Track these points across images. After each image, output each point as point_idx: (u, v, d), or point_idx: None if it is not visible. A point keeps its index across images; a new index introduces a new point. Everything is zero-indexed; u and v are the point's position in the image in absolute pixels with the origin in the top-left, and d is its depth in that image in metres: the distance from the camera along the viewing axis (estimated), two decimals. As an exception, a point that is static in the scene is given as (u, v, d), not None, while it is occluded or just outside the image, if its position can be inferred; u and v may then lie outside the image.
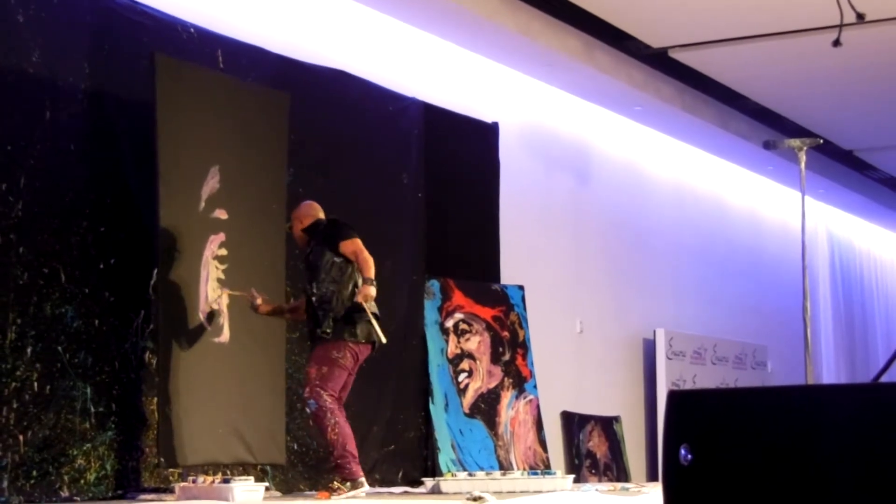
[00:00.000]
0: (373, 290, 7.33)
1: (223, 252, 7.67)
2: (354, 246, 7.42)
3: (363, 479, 7.39)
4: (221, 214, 7.69)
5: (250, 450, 7.71)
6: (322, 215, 7.70)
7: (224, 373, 7.61)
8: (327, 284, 7.43)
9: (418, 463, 9.63)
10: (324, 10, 9.26)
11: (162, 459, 7.21)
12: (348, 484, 7.30)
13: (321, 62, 9.08)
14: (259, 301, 7.66)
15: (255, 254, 7.94)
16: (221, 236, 7.68)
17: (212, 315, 7.57)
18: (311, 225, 7.64)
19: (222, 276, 7.64)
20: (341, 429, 7.30)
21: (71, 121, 7.27)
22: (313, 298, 7.45)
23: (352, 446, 7.35)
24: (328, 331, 7.37)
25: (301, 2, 9.09)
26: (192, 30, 8.04)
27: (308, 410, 7.41)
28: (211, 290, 7.58)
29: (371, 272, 7.35)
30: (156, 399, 7.36)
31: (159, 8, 7.86)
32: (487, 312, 10.46)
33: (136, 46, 7.63)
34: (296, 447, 8.52)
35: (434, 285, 10.05)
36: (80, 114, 7.34)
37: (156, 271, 7.47)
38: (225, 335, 7.63)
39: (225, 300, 7.64)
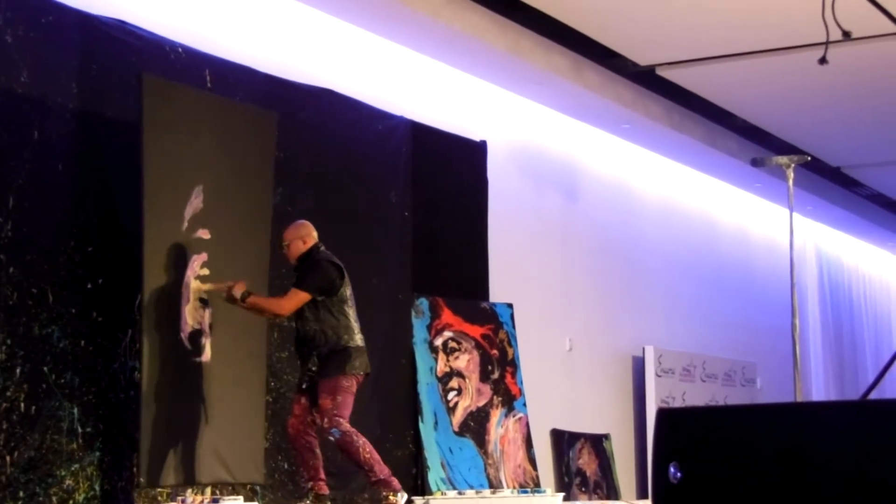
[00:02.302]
0: (236, 293, 7.45)
1: (205, 272, 7.65)
2: (293, 294, 7.56)
3: (400, 489, 7.60)
4: (204, 234, 7.67)
5: (229, 469, 7.69)
6: (315, 237, 7.78)
7: (205, 392, 7.59)
8: (311, 323, 7.58)
9: (408, 482, 9.60)
10: (311, 29, 9.27)
11: (142, 480, 7.19)
12: (399, 495, 7.52)
13: (309, 81, 9.08)
14: (237, 288, 7.54)
15: (238, 273, 7.90)
16: (204, 256, 7.66)
17: (193, 334, 7.54)
18: (310, 248, 7.71)
19: (204, 297, 7.63)
20: (371, 448, 7.53)
21: (59, 141, 7.26)
22: (298, 333, 7.65)
23: (382, 462, 7.58)
24: (314, 369, 7.58)
25: (289, 21, 9.10)
26: (179, 49, 8.04)
27: (332, 439, 7.53)
28: (193, 309, 7.56)
29: (259, 303, 7.56)
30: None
31: (147, 28, 7.87)
32: (476, 330, 10.45)
33: (125, 66, 7.63)
34: (286, 466, 8.50)
35: (423, 303, 10.05)
36: (68, 134, 7.34)
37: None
38: (206, 354, 7.62)
39: (207, 318, 7.62)
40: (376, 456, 7.53)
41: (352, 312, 7.68)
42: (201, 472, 7.52)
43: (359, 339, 7.65)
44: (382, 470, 7.52)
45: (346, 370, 7.54)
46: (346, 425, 7.47)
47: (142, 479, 7.19)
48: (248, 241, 8.01)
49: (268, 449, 8.21)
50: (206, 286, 7.61)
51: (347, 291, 7.69)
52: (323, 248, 7.76)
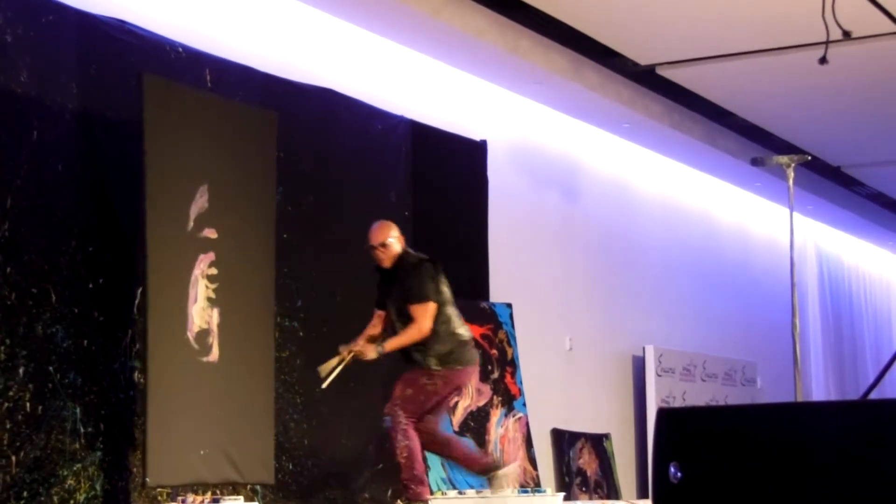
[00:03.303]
0: (372, 354, 7.49)
1: (213, 271, 7.65)
2: (421, 312, 7.45)
3: (427, 500, 7.55)
4: (210, 234, 7.67)
5: (238, 469, 7.69)
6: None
7: (213, 392, 7.59)
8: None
9: (408, 481, 9.59)
10: (311, 29, 9.27)
11: (147, 479, 7.19)
12: None
13: (309, 81, 9.08)
14: (369, 353, 7.57)
15: (245, 272, 7.92)
16: (211, 255, 7.66)
17: (201, 334, 7.54)
18: (404, 249, 7.70)
19: (213, 296, 7.63)
20: (410, 452, 7.43)
21: (58, 141, 7.26)
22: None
23: (419, 469, 7.49)
24: (436, 368, 7.48)
25: (288, 20, 9.10)
26: (179, 49, 8.04)
27: (384, 426, 7.55)
28: (201, 309, 7.56)
29: (399, 342, 7.46)
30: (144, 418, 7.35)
31: (147, 27, 7.86)
32: (476, 330, 10.43)
33: (124, 66, 7.62)
34: (290, 467, 8.50)
35: (423, 303, 10.02)
36: (67, 134, 7.33)
37: (140, 291, 7.46)
38: (214, 354, 7.61)
39: (215, 318, 7.62)
40: (412, 463, 7.42)
41: (452, 310, 7.63)
42: (209, 471, 7.53)
43: (462, 334, 7.59)
44: (412, 478, 7.44)
45: (429, 364, 7.48)
46: (401, 419, 7.40)
47: (147, 479, 7.18)
48: (253, 239, 8.02)
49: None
50: (332, 371, 7.55)
51: (445, 287, 7.63)
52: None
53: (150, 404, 7.19)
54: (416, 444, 7.46)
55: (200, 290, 7.56)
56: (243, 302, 7.80)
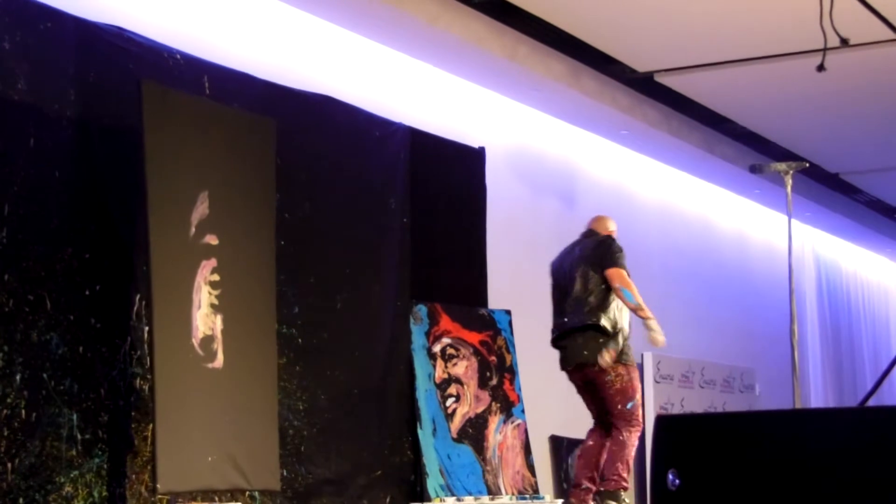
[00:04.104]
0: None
1: (215, 277, 7.64)
2: None
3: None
4: (212, 240, 7.66)
5: (245, 476, 7.67)
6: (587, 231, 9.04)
7: (218, 398, 7.57)
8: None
9: (406, 488, 9.60)
10: (309, 36, 9.28)
11: (158, 486, 7.16)
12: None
13: (307, 87, 9.08)
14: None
15: (247, 278, 7.90)
16: (213, 262, 7.65)
17: (205, 340, 7.53)
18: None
19: (215, 302, 7.61)
20: (580, 451, 8.47)
21: (56, 148, 7.25)
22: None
23: (580, 470, 8.45)
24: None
25: (286, 27, 9.11)
26: (178, 56, 8.04)
27: None
28: (205, 315, 7.55)
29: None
30: (146, 426, 7.33)
31: (146, 34, 7.86)
32: (475, 337, 10.44)
33: (123, 73, 7.61)
34: (285, 473, 8.49)
35: (421, 310, 10.03)
36: (65, 141, 7.32)
37: (138, 297, 7.45)
38: (219, 361, 7.59)
39: (219, 325, 7.61)
40: (577, 462, 8.40)
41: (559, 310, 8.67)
42: (218, 478, 7.51)
43: (561, 335, 8.61)
44: (577, 474, 8.33)
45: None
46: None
47: (158, 486, 7.15)
48: (254, 245, 8.00)
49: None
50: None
51: (556, 292, 8.68)
52: (578, 243, 8.96)
53: (158, 411, 7.17)
54: (587, 446, 8.43)
55: (203, 296, 7.55)
56: (245, 308, 7.79)
